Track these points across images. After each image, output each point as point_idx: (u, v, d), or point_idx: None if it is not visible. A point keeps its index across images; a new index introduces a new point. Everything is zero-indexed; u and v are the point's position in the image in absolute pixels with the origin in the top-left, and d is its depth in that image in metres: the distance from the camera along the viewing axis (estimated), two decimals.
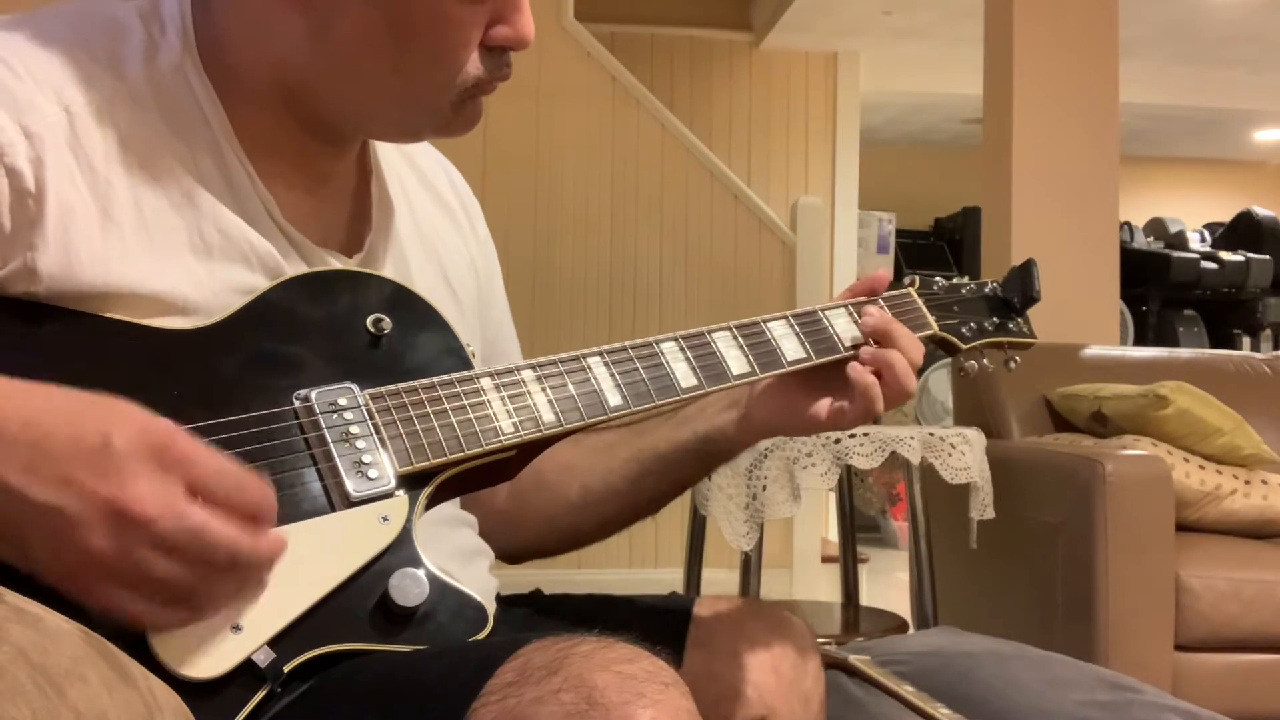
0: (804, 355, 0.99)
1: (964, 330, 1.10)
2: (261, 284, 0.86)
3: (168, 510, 0.67)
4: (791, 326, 1.00)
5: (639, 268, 4.63)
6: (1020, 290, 1.14)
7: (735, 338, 0.98)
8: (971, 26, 3.89)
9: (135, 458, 0.68)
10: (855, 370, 0.98)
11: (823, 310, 1.02)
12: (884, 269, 1.07)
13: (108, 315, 0.79)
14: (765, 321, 1.00)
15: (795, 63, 5.76)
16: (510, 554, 1.11)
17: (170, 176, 0.83)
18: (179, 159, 0.84)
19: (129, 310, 0.80)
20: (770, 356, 0.98)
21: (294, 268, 0.88)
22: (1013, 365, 1.14)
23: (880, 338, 1.00)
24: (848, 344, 1.01)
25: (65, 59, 0.82)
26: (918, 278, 1.13)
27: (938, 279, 1.13)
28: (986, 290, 1.14)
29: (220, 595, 0.72)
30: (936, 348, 1.10)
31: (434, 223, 1.05)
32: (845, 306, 1.03)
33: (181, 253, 0.82)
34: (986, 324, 1.12)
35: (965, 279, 1.16)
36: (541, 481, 1.10)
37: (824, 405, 0.99)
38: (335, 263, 0.91)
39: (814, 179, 5.75)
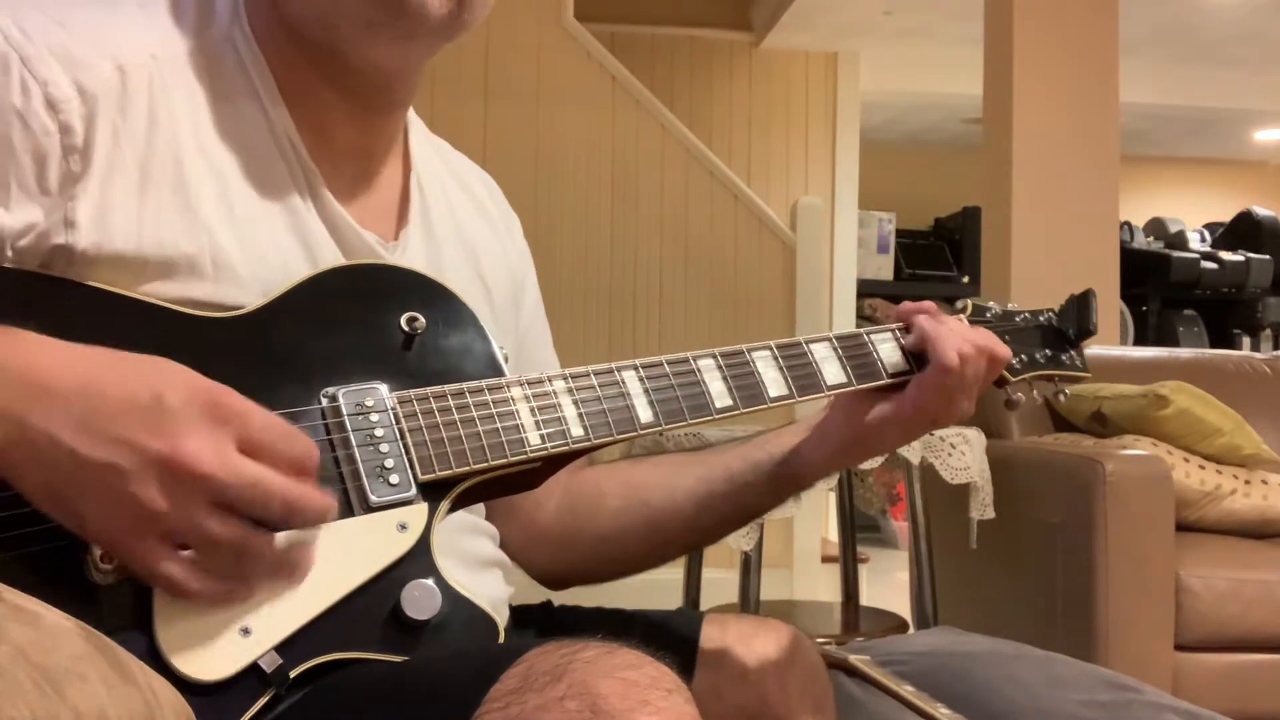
0: (845, 380, 0.97)
1: (1014, 362, 1.06)
2: (296, 254, 0.85)
3: (224, 464, 0.68)
4: (834, 349, 0.98)
5: (639, 268, 4.62)
6: (1076, 321, 1.10)
7: (775, 358, 0.95)
8: (971, 26, 3.89)
9: (188, 414, 0.68)
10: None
11: (869, 334, 0.99)
12: (929, 300, 1.03)
13: (142, 296, 0.79)
14: (809, 343, 0.97)
15: (795, 63, 5.76)
16: (552, 577, 1.07)
17: (214, 140, 0.83)
18: (226, 122, 0.84)
19: (162, 273, 0.79)
20: (810, 380, 0.95)
21: (331, 241, 0.88)
22: (1062, 398, 1.10)
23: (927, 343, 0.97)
24: (890, 371, 0.98)
25: (122, 19, 0.83)
26: (970, 303, 1.09)
27: (992, 305, 1.09)
28: (1041, 320, 1.11)
29: (265, 560, 0.72)
30: None
31: (473, 224, 1.04)
32: (892, 331, 1.00)
33: (218, 215, 0.82)
34: (1038, 355, 1.09)
35: (1018, 307, 1.12)
36: (600, 498, 1.07)
37: (890, 404, 0.97)
38: (372, 242, 0.90)
39: (814, 179, 5.74)
